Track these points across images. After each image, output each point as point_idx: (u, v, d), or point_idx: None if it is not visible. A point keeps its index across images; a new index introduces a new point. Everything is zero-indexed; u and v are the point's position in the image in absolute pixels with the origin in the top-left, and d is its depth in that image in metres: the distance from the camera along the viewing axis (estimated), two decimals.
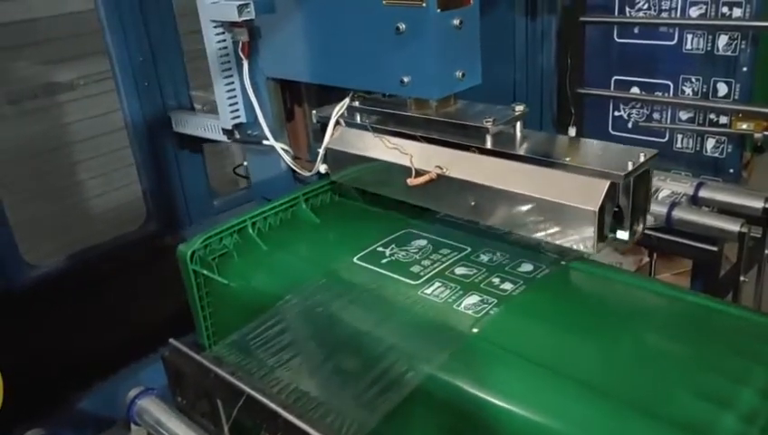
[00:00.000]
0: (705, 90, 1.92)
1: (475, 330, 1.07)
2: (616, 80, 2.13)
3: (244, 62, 1.60)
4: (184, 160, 1.98)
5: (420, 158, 1.37)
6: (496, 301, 1.14)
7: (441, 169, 1.32)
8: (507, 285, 1.18)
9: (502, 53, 2.38)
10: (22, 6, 2.54)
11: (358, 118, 1.51)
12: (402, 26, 1.26)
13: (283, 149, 1.66)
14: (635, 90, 2.09)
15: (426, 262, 1.29)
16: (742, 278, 1.55)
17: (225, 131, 1.76)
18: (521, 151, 1.26)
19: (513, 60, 2.39)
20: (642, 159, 1.14)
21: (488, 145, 1.29)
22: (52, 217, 2.39)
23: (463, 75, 1.32)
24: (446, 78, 1.31)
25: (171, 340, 1.18)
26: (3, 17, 2.47)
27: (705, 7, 1.86)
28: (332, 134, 1.53)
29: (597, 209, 1.12)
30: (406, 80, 1.31)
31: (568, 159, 1.19)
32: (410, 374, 1.02)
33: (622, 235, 1.18)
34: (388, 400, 1.00)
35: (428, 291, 1.20)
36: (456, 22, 1.27)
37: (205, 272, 1.39)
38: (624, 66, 2.10)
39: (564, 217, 1.17)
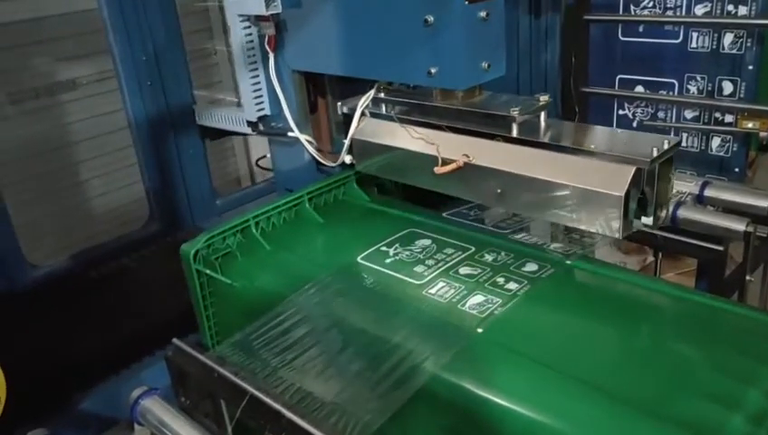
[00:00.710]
0: (710, 88, 1.91)
1: (479, 330, 1.07)
2: (620, 78, 2.12)
3: (270, 56, 1.63)
4: (187, 160, 1.97)
5: (446, 147, 1.39)
6: (501, 301, 1.13)
7: (468, 157, 1.34)
8: (512, 285, 1.17)
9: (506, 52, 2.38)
10: (22, 6, 2.54)
11: (383, 109, 1.55)
12: (430, 18, 1.28)
13: (307, 141, 1.69)
14: (639, 89, 2.08)
15: (430, 261, 1.29)
16: (748, 278, 1.54)
17: (250, 124, 1.80)
18: (546, 139, 1.29)
19: (517, 58, 2.38)
20: (666, 146, 1.17)
21: (514, 134, 1.32)
22: (54, 217, 2.39)
23: (488, 66, 1.36)
24: (473, 69, 1.34)
25: (175, 340, 1.18)
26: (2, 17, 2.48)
27: (710, 5, 1.85)
28: (358, 125, 1.57)
29: (623, 194, 1.15)
30: (433, 71, 1.33)
31: (593, 146, 1.23)
32: (415, 374, 1.02)
33: (646, 220, 1.20)
34: (393, 400, 0.99)
35: (433, 290, 1.19)
36: (483, 14, 1.29)
37: (208, 272, 1.39)
38: (628, 65, 2.09)
39: (590, 202, 1.20)
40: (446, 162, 1.37)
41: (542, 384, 0.97)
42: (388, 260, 1.31)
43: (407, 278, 1.24)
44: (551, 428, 0.92)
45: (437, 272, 1.25)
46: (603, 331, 1.08)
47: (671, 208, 1.56)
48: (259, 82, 1.73)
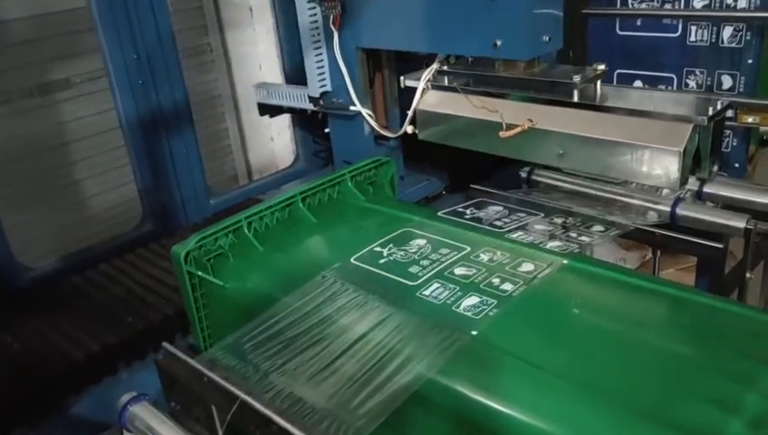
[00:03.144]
0: (709, 82, 1.89)
1: (474, 332, 1.05)
2: (618, 73, 2.10)
3: (335, 34, 1.77)
4: (180, 159, 1.95)
5: (509, 113, 1.53)
6: (496, 302, 1.11)
7: (532, 121, 1.47)
8: (507, 286, 1.15)
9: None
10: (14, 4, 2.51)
11: (445, 81, 1.69)
12: None
13: (368, 114, 1.83)
14: (638, 83, 2.06)
15: (424, 262, 1.27)
16: (747, 275, 1.51)
17: (312, 99, 1.93)
18: (606, 103, 1.44)
19: None
20: (720, 106, 1.31)
21: (575, 99, 1.47)
22: (48, 218, 2.37)
23: (549, 39, 1.49)
24: (536, 41, 1.48)
25: (164, 344, 1.16)
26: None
27: None
28: (421, 97, 1.71)
29: (682, 150, 1.29)
30: (498, 43, 1.47)
31: (652, 107, 1.36)
32: (408, 379, 1.00)
33: (701, 175, 1.39)
34: (386, 405, 0.97)
35: (427, 292, 1.17)
36: None
37: (199, 273, 1.36)
38: (627, 59, 2.06)
39: (650, 159, 1.34)
40: (510, 127, 1.50)
41: (538, 387, 0.95)
42: (381, 261, 1.29)
43: (400, 279, 1.22)
44: (547, 432, 0.90)
45: (432, 273, 1.23)
46: (599, 332, 1.06)
47: (670, 206, 1.55)
48: (322, 60, 1.86)
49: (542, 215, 1.48)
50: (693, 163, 1.35)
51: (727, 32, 1.81)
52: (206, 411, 1.12)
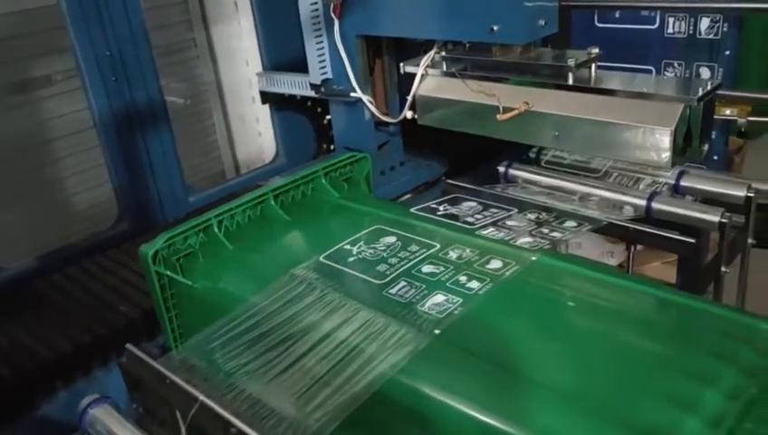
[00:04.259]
0: (687, 74, 1.88)
1: (436, 331, 1.03)
2: (598, 66, 2.07)
3: (335, 22, 1.81)
4: (156, 157, 1.93)
5: (506, 97, 1.57)
6: (462, 300, 1.10)
7: (528, 104, 1.51)
8: (474, 284, 1.14)
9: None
10: None
11: (443, 66, 1.73)
12: None
13: (368, 101, 1.86)
14: None
15: (393, 260, 1.25)
16: (723, 269, 1.50)
17: (313, 86, 1.98)
18: (600, 86, 1.48)
19: None
20: (710, 86, 1.36)
21: (570, 82, 1.50)
22: (26, 218, 2.35)
23: (545, 24, 1.53)
24: (532, 26, 1.52)
25: (128, 345, 1.15)
26: None
27: None
28: (420, 82, 1.75)
29: (673, 129, 1.34)
30: (495, 28, 1.51)
31: (644, 89, 1.42)
32: (369, 379, 0.99)
33: (692, 153, 1.40)
34: (346, 406, 0.96)
35: (393, 290, 1.16)
36: None
37: (168, 273, 1.35)
38: (606, 52, 2.03)
39: (643, 138, 1.38)
40: (507, 110, 1.53)
41: (496, 387, 0.94)
42: (350, 259, 1.28)
43: (368, 278, 1.21)
44: (505, 432, 0.89)
45: (400, 271, 1.21)
46: (563, 330, 1.05)
47: (645, 200, 1.53)
48: (323, 47, 1.90)
49: (516, 211, 1.47)
50: (684, 143, 1.38)
51: (704, 23, 1.80)
52: (170, 414, 1.11)
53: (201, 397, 0.99)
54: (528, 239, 1.31)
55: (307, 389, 1.01)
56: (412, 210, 1.48)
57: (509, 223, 1.40)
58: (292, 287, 1.23)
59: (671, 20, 1.86)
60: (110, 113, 1.82)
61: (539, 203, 1.53)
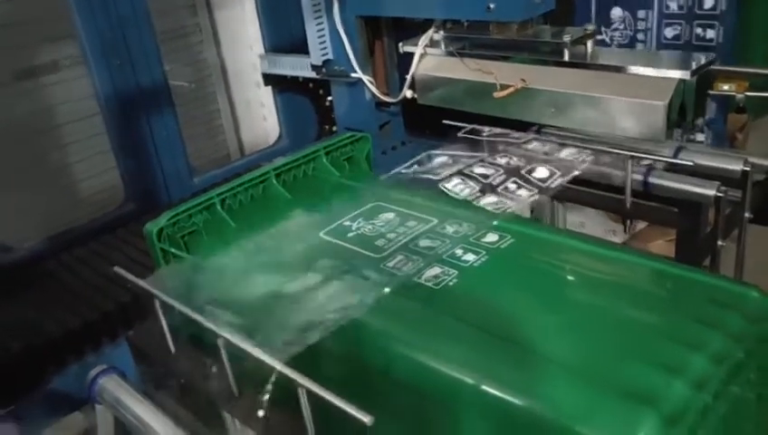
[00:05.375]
0: (690, 4, 1.87)
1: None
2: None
3: (335, 3, 1.83)
4: (161, 139, 1.96)
5: (503, 74, 1.60)
6: (457, 272, 1.13)
7: (524, 81, 1.54)
8: (469, 256, 1.17)
9: None
10: None
11: (442, 46, 1.75)
12: None
13: (369, 81, 1.88)
14: (617, 10, 2.03)
15: (391, 235, 1.28)
16: (719, 243, 1.52)
17: (314, 67, 2.01)
18: (595, 61, 1.52)
19: None
20: (703, 60, 1.40)
21: (566, 58, 1.53)
22: (34, 201, 2.39)
23: (541, 0, 1.55)
24: (528, 3, 1.53)
25: (116, 268, 1.19)
26: None
27: None
28: (419, 62, 1.77)
29: (667, 102, 1.37)
30: (492, 6, 1.53)
31: (639, 65, 1.44)
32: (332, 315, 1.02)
33: (686, 128, 1.52)
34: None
35: (390, 264, 1.19)
36: None
37: (173, 250, 1.38)
38: None
39: (638, 112, 1.41)
40: (504, 87, 1.56)
41: (484, 351, 0.96)
42: (350, 235, 1.31)
43: (366, 252, 1.24)
44: (495, 396, 0.92)
45: (398, 245, 1.24)
46: (555, 300, 1.08)
47: (642, 175, 1.54)
48: (323, 29, 1.93)
49: (486, 156, 1.48)
50: (679, 116, 1.41)
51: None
52: (177, 383, 1.15)
53: (188, 312, 1.02)
54: (492, 199, 1.33)
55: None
56: (381, 178, 1.50)
57: (476, 170, 1.41)
58: (288, 260, 1.26)
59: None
60: (115, 97, 1.85)
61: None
